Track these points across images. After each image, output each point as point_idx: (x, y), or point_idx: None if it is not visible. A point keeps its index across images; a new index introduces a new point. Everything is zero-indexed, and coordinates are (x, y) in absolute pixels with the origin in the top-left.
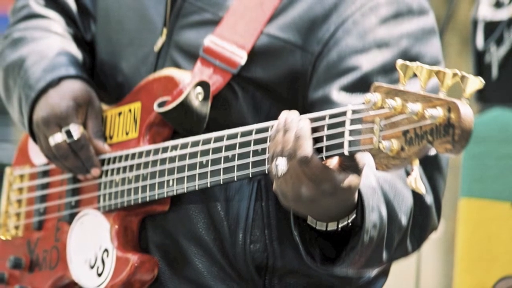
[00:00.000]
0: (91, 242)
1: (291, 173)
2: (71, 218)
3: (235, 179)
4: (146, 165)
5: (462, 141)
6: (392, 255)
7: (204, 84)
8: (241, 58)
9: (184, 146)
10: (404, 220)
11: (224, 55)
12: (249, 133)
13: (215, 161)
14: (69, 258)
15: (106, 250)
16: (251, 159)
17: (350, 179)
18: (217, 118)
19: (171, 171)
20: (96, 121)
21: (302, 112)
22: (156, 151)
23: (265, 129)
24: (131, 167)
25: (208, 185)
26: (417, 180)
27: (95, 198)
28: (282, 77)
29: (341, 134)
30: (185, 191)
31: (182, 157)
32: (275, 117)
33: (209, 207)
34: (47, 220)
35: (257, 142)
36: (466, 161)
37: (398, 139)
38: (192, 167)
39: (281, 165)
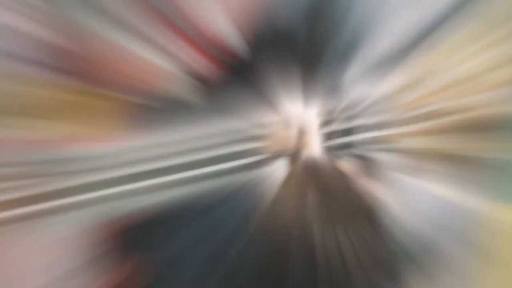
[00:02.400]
0: (61, 256)
1: (294, 177)
2: (36, 230)
3: (231, 180)
4: (127, 165)
5: (494, 138)
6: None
7: (197, 75)
8: (239, 46)
9: (174, 143)
10: (427, 228)
11: (220, 42)
12: (246, 129)
13: (209, 161)
14: (34, 275)
15: (83, 263)
16: (248, 159)
17: (366, 184)
18: (211, 113)
19: (158, 173)
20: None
21: (308, 104)
22: (139, 149)
23: (265, 125)
24: (108, 168)
25: (201, 188)
26: (443, 183)
27: (69, 206)
28: (286, 67)
29: (355, 130)
30: (175, 195)
31: (171, 156)
32: (276, 110)
33: (202, 212)
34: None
35: (255, 139)
36: (502, 161)
37: (422, 136)
38: (183, 167)
39: (282, 167)
